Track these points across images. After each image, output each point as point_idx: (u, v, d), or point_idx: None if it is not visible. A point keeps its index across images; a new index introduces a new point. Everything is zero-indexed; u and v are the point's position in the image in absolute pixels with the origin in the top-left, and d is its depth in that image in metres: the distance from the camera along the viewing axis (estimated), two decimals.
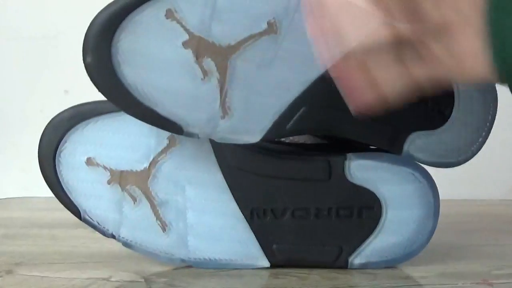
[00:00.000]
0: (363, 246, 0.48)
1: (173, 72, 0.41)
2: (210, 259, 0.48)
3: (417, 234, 0.48)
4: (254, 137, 0.44)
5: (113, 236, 0.48)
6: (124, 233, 0.48)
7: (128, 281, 0.46)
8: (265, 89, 0.42)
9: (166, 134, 0.46)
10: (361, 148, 0.49)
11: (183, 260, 0.48)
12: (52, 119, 0.47)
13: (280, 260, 0.48)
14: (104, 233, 0.48)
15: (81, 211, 0.47)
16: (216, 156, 0.47)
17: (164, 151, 0.47)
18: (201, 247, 0.48)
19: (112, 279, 0.46)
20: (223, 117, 0.42)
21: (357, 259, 0.48)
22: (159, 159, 0.47)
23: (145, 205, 0.47)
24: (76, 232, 0.48)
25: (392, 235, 0.48)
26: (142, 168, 0.47)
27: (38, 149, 0.47)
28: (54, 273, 0.48)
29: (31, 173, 0.53)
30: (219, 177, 0.47)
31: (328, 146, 0.50)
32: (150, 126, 0.44)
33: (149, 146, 0.47)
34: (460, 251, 0.55)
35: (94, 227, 0.48)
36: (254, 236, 0.48)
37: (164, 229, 0.48)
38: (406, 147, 0.47)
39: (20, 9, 0.94)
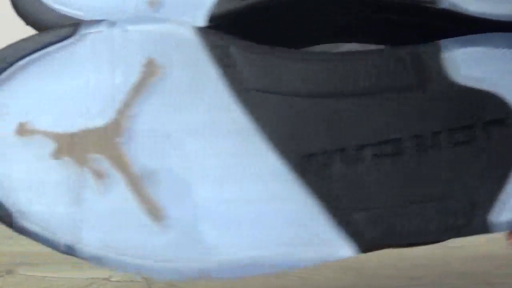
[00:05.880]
0: (507, 187, 0.27)
1: None
2: (246, 259, 0.28)
3: None
4: (199, 11, 0.28)
5: (70, 250, 0.29)
6: (90, 239, 0.28)
7: (128, 281, 0.46)
8: None
9: (138, 57, 0.28)
10: (457, 32, 0.28)
11: (202, 272, 0.28)
12: None
13: (369, 239, 0.27)
14: (54, 245, 0.29)
15: (12, 214, 0.29)
16: (227, 79, 0.27)
17: (140, 86, 0.27)
18: (227, 240, 0.28)
19: (112, 279, 0.46)
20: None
21: (502, 214, 0.27)
22: (132, 101, 0.27)
23: (119, 183, 0.28)
24: None
25: None
26: (106, 122, 0.28)
27: None
28: (54, 273, 0.47)
29: None
30: (235, 112, 0.27)
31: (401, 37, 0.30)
32: (109, 49, 0.28)
33: (112, 82, 0.28)
34: (460, 251, 0.55)
35: (34, 237, 0.30)
36: (317, 203, 0.27)
37: (158, 219, 0.28)
38: None
39: None
